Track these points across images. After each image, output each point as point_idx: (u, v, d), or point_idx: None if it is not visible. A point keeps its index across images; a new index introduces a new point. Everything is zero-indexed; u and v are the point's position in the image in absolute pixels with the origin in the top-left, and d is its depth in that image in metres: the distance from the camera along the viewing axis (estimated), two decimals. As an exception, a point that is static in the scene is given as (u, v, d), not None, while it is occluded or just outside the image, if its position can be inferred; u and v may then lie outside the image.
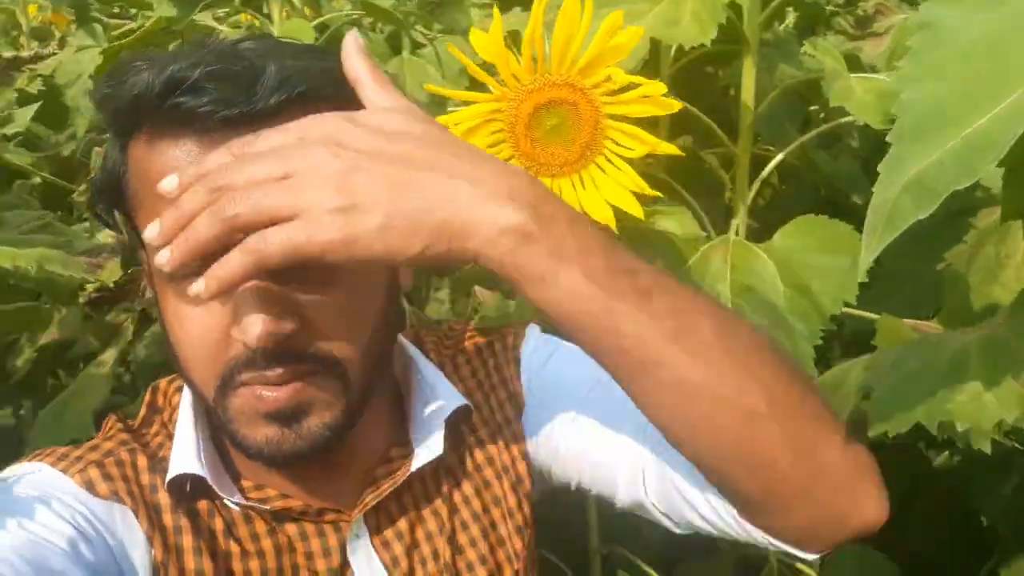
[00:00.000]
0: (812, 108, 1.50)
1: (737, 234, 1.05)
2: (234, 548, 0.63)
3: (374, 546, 0.67)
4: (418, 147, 0.49)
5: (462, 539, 0.71)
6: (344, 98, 0.56)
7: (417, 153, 0.49)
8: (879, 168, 0.49)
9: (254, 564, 0.63)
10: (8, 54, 1.25)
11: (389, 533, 0.68)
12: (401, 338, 0.77)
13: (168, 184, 0.51)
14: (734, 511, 0.60)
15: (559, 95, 0.84)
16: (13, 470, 0.60)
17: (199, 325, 0.59)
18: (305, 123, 0.50)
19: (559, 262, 0.49)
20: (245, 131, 0.53)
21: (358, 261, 0.48)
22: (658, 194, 0.89)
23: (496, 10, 0.82)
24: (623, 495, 0.71)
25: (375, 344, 0.63)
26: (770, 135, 1.31)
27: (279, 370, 0.58)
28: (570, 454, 0.73)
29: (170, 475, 0.62)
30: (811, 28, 1.59)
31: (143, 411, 0.69)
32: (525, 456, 0.75)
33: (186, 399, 0.67)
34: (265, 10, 0.98)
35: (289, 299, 0.58)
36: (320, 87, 0.58)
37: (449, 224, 0.48)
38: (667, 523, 0.69)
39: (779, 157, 1.10)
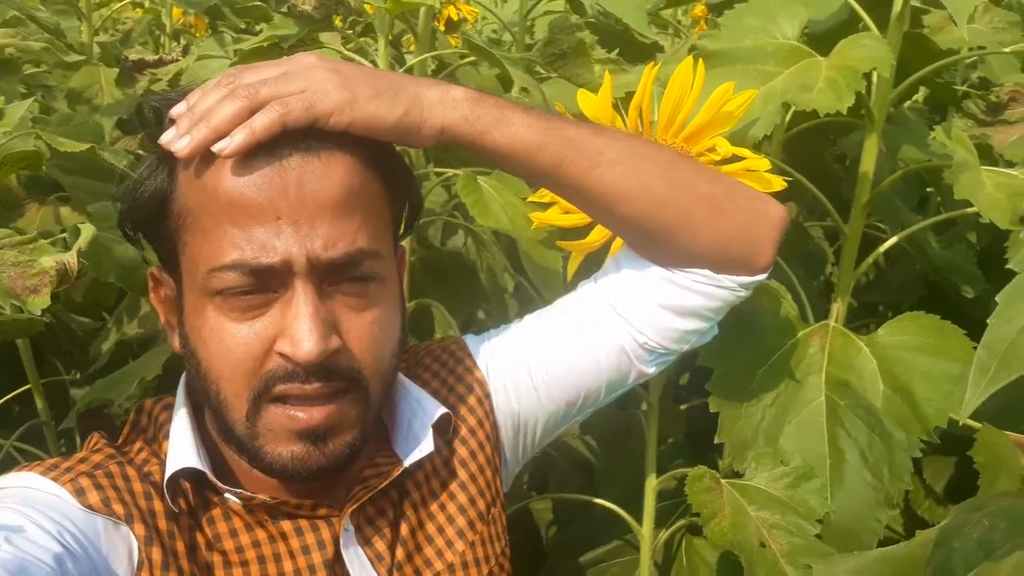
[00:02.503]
0: (929, 189, 1.43)
1: (837, 320, 0.99)
2: (230, 545, 0.64)
3: (364, 540, 0.68)
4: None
5: (449, 533, 0.72)
6: (381, 144, 0.66)
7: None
8: (997, 299, 0.45)
9: (252, 557, 0.64)
10: (134, 56, 1.31)
11: (378, 528, 0.70)
12: None
13: (178, 108, 0.62)
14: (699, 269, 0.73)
15: (662, 160, 0.82)
16: (2, 481, 0.61)
17: (239, 339, 0.61)
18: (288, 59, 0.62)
19: (506, 110, 0.67)
20: (313, 159, 0.60)
21: (357, 126, 0.61)
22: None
23: (608, 74, 0.81)
24: (623, 365, 0.77)
25: (391, 366, 0.68)
26: (884, 215, 1.24)
27: (316, 384, 0.61)
28: (555, 382, 0.77)
29: (170, 471, 0.63)
30: (940, 107, 1.51)
31: (127, 429, 0.70)
32: (498, 445, 0.78)
33: (181, 411, 0.68)
34: (373, 46, 0.99)
35: (333, 317, 0.62)
36: None
37: (419, 97, 0.64)
38: (666, 353, 0.77)
39: (892, 240, 1.04)
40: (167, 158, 0.62)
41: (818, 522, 0.83)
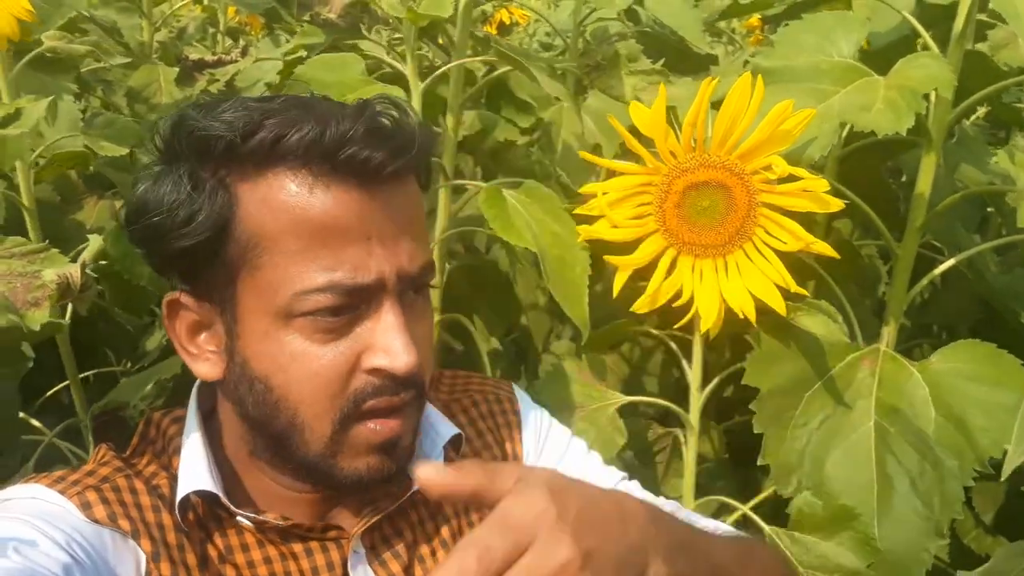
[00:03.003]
0: (989, 209, 1.39)
1: (888, 343, 0.97)
2: (241, 559, 0.64)
3: (372, 563, 0.68)
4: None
5: None
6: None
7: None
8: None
9: (263, 574, 0.64)
10: (195, 56, 1.33)
11: (386, 552, 0.69)
12: None
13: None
14: None
15: (715, 177, 0.81)
16: (9, 493, 0.61)
17: (326, 361, 0.61)
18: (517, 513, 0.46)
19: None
20: (394, 181, 0.62)
21: None
22: (804, 292, 0.84)
23: (662, 86, 0.79)
24: None
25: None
26: (940, 236, 1.21)
27: (405, 395, 0.63)
28: None
29: (182, 492, 0.63)
30: (1003, 124, 1.47)
31: (135, 440, 0.70)
32: None
33: (193, 428, 0.67)
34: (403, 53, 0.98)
35: (414, 332, 0.63)
36: (423, 148, 0.65)
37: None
38: None
39: (949, 263, 1.01)
40: (225, 181, 0.61)
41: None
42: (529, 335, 1.41)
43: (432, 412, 0.75)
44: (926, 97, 0.89)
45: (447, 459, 0.72)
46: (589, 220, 0.87)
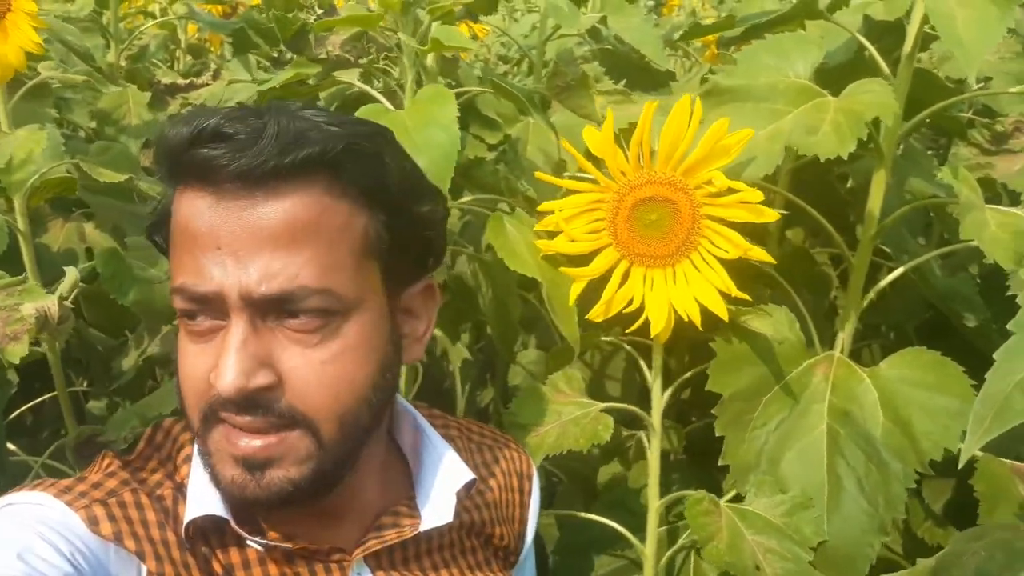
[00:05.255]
0: (932, 216, 1.45)
1: (842, 350, 1.02)
2: None
3: None
4: None
5: None
6: (364, 171, 0.62)
7: None
8: (995, 356, 0.48)
9: None
10: (167, 80, 1.34)
11: (399, 573, 0.70)
12: (409, 407, 0.80)
13: None
14: None
15: (661, 192, 0.86)
16: (14, 498, 0.61)
17: (194, 361, 0.62)
18: None
19: None
20: (254, 189, 0.58)
21: None
22: (746, 297, 0.88)
23: (610, 109, 0.84)
24: None
25: (358, 410, 0.64)
26: (890, 243, 1.26)
27: (247, 418, 0.60)
28: None
29: (191, 515, 0.63)
30: (944, 131, 1.53)
31: (141, 445, 0.70)
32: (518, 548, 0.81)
33: None
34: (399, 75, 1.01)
35: (268, 354, 0.60)
36: (327, 154, 0.60)
37: None
38: None
39: (899, 271, 1.06)
40: (172, 181, 0.63)
41: (812, 550, 0.86)
42: (494, 345, 1.44)
43: (441, 447, 0.76)
44: (874, 122, 0.93)
45: (458, 500, 0.73)
46: (549, 235, 0.92)
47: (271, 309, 0.60)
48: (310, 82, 1.03)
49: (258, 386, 0.59)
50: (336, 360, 0.62)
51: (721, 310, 0.87)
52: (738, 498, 0.93)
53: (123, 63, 1.54)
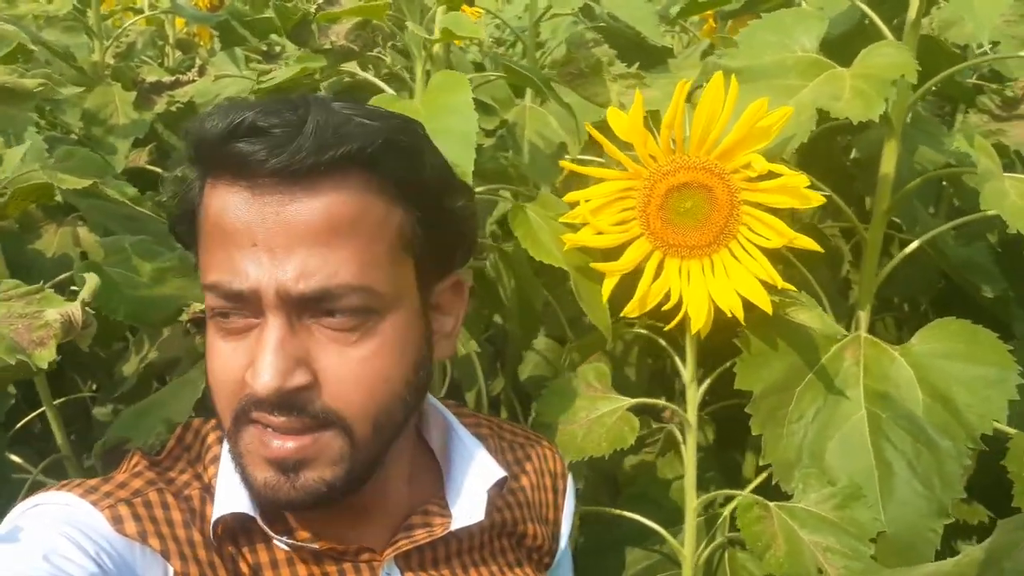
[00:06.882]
0: (944, 185, 1.42)
1: (864, 330, 0.99)
2: None
3: None
4: None
5: None
6: (400, 166, 0.61)
7: None
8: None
9: None
10: (151, 78, 1.30)
11: (428, 573, 0.69)
12: (439, 405, 0.79)
13: None
14: None
15: (696, 178, 0.82)
16: (42, 498, 0.61)
17: (225, 359, 0.61)
18: None
19: None
20: (292, 185, 0.57)
21: None
22: (790, 287, 0.85)
23: (638, 91, 0.80)
24: None
25: (392, 409, 0.64)
26: (903, 216, 1.24)
27: (282, 419, 0.59)
28: None
29: (219, 512, 0.63)
30: (949, 98, 1.51)
31: (171, 444, 0.69)
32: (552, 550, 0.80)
33: None
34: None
35: (305, 353, 0.59)
36: (366, 150, 0.59)
37: None
38: None
39: (914, 244, 1.03)
40: (201, 175, 0.62)
41: (871, 541, 0.82)
42: (505, 333, 1.42)
43: (480, 450, 0.74)
44: (893, 83, 0.91)
45: (489, 499, 0.72)
46: (573, 228, 0.88)
47: (308, 307, 0.59)
48: (316, 76, 1.00)
49: (295, 386, 0.59)
50: (373, 358, 0.61)
51: (765, 302, 0.84)
52: (768, 486, 0.90)
53: (111, 61, 1.50)
